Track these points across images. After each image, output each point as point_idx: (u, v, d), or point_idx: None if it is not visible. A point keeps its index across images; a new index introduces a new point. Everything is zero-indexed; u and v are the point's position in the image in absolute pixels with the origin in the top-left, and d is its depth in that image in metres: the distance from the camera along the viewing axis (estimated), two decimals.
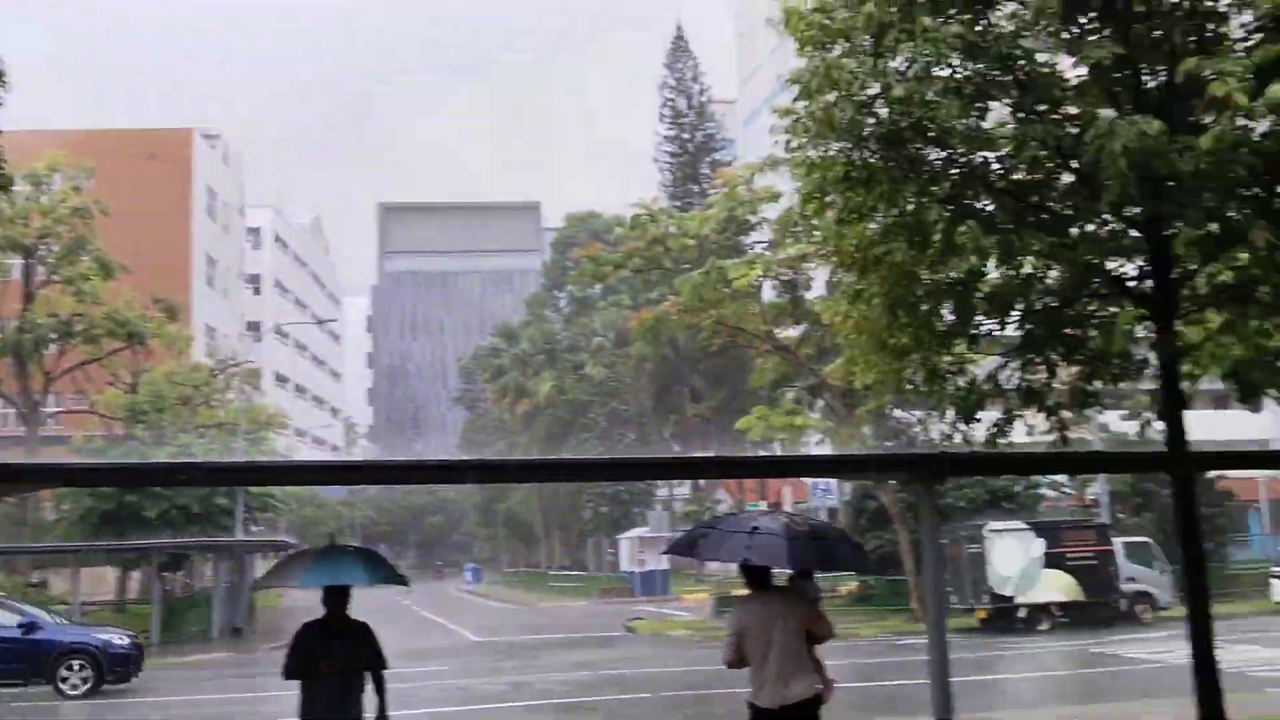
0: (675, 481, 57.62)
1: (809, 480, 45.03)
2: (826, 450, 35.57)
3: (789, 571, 8.89)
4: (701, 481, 54.81)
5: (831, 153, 8.78)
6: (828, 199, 9.03)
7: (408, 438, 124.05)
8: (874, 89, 8.63)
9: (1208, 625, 8.91)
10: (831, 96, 8.69)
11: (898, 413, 33.48)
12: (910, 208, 8.82)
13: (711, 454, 43.19)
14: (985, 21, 8.87)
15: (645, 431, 61.76)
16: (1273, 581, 31.17)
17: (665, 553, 11.33)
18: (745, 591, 7.48)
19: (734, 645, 7.16)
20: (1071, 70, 9.10)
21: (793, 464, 18.13)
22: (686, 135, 65.33)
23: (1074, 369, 9.73)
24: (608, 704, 18.01)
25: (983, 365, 10.02)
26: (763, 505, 46.20)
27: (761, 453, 37.63)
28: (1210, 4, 8.72)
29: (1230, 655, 20.21)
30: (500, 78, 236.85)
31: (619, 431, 64.18)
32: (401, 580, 7.89)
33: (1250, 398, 9.21)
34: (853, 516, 36.72)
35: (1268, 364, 8.30)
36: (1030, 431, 10.52)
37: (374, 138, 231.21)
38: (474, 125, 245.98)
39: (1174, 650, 18.72)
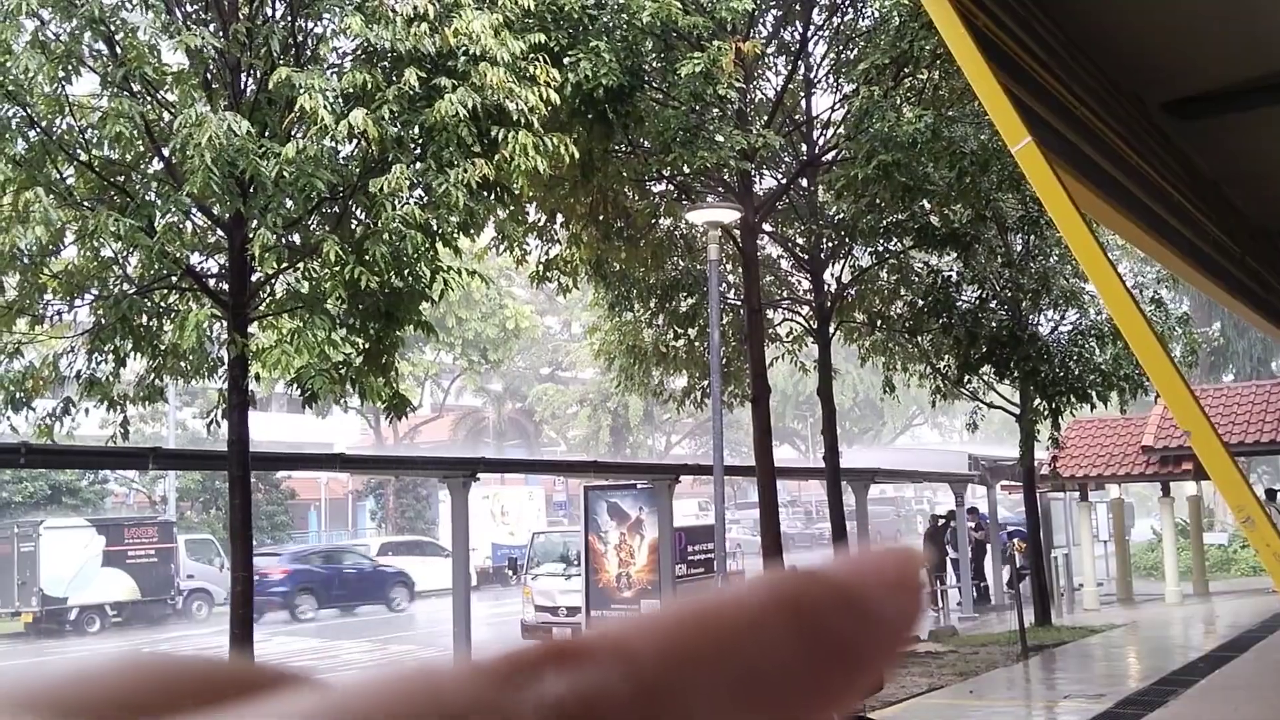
0: None
1: None
2: None
3: None
4: None
5: None
6: None
7: None
8: None
9: (249, 617, 9.22)
10: None
11: None
12: None
13: None
14: None
15: None
16: None
17: None
18: None
19: None
20: (173, 56, 8.85)
21: None
22: None
23: (145, 361, 9.40)
24: None
25: (42, 350, 9.24)
26: None
27: None
28: (311, 24, 9.11)
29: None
30: None
31: None
32: None
33: (312, 403, 9.77)
34: None
35: (326, 372, 8.80)
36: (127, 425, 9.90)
37: None
38: None
39: (225, 645, 19.09)
